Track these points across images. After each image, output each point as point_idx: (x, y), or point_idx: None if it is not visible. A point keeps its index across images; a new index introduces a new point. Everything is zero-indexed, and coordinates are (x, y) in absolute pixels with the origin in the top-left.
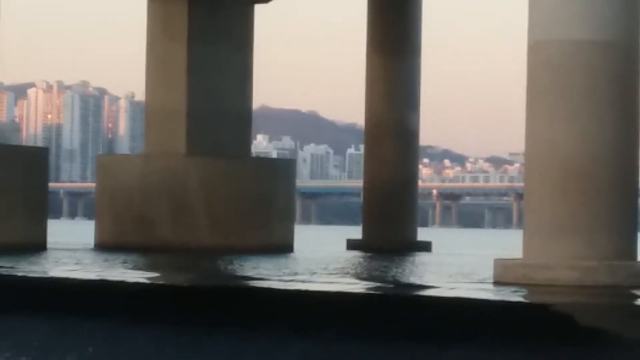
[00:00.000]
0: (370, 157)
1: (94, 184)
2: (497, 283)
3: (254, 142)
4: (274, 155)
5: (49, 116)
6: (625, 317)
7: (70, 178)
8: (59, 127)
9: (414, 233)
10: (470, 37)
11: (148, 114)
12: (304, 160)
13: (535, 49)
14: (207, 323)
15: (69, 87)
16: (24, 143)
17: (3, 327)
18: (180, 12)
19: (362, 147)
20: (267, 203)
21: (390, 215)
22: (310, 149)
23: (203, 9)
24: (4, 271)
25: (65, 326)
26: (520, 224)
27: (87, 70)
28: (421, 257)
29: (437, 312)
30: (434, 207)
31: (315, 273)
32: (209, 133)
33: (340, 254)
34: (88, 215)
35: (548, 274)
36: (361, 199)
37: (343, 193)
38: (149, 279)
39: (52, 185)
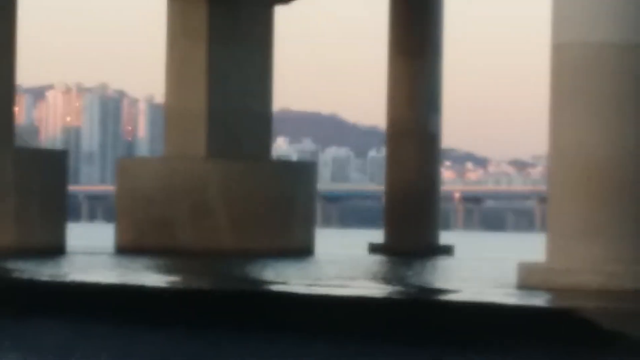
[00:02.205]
0: (392, 160)
1: (113, 187)
2: (520, 287)
3: (275, 144)
4: (295, 158)
5: (68, 118)
6: None
7: (89, 181)
8: (77, 130)
9: (436, 236)
10: (493, 39)
11: (168, 116)
12: (325, 164)
13: (558, 51)
14: (229, 327)
15: (88, 90)
16: (42, 145)
17: (22, 330)
18: (200, 12)
19: (383, 149)
20: (288, 206)
21: (412, 218)
22: (331, 152)
23: (223, 9)
24: (23, 274)
25: (85, 330)
26: (543, 228)
27: (107, 73)
28: (443, 261)
29: (461, 316)
30: (456, 210)
31: (336, 277)
32: (229, 135)
33: (362, 257)
34: (107, 219)
35: (572, 279)
36: (383, 202)
37: (364, 196)
38: (170, 283)
39: (71, 188)
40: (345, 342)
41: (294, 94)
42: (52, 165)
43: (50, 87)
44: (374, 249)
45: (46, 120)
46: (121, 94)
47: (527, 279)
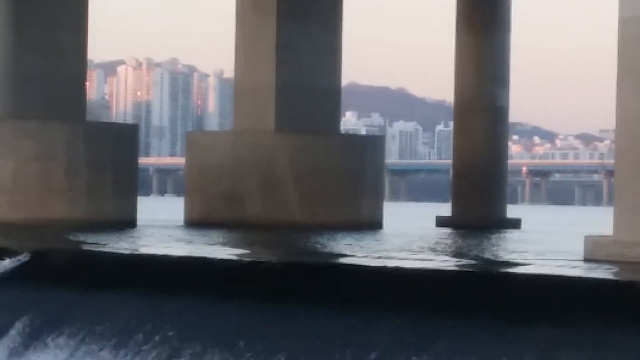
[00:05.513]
0: (460, 134)
1: (183, 161)
2: (587, 260)
3: (343, 119)
4: (363, 132)
5: (139, 93)
6: None
7: (159, 155)
8: (148, 104)
9: (504, 210)
10: (561, 13)
11: (237, 90)
12: (393, 138)
13: (625, 25)
14: (302, 300)
15: (158, 65)
16: (113, 120)
17: (93, 302)
18: None
19: (451, 123)
20: (356, 180)
21: (479, 192)
22: (399, 126)
23: None
24: (96, 247)
25: (156, 303)
26: (610, 201)
27: (177, 48)
28: (511, 234)
29: (529, 288)
30: (524, 184)
31: (405, 250)
32: (298, 109)
33: (430, 230)
34: (178, 192)
35: (639, 251)
36: (450, 176)
37: (432, 170)
38: (241, 255)
39: (141, 162)
40: (416, 315)
41: (363, 68)
42: (123, 140)
43: (121, 62)
44: (441, 222)
45: (117, 95)
46: (191, 69)
47: (594, 251)
